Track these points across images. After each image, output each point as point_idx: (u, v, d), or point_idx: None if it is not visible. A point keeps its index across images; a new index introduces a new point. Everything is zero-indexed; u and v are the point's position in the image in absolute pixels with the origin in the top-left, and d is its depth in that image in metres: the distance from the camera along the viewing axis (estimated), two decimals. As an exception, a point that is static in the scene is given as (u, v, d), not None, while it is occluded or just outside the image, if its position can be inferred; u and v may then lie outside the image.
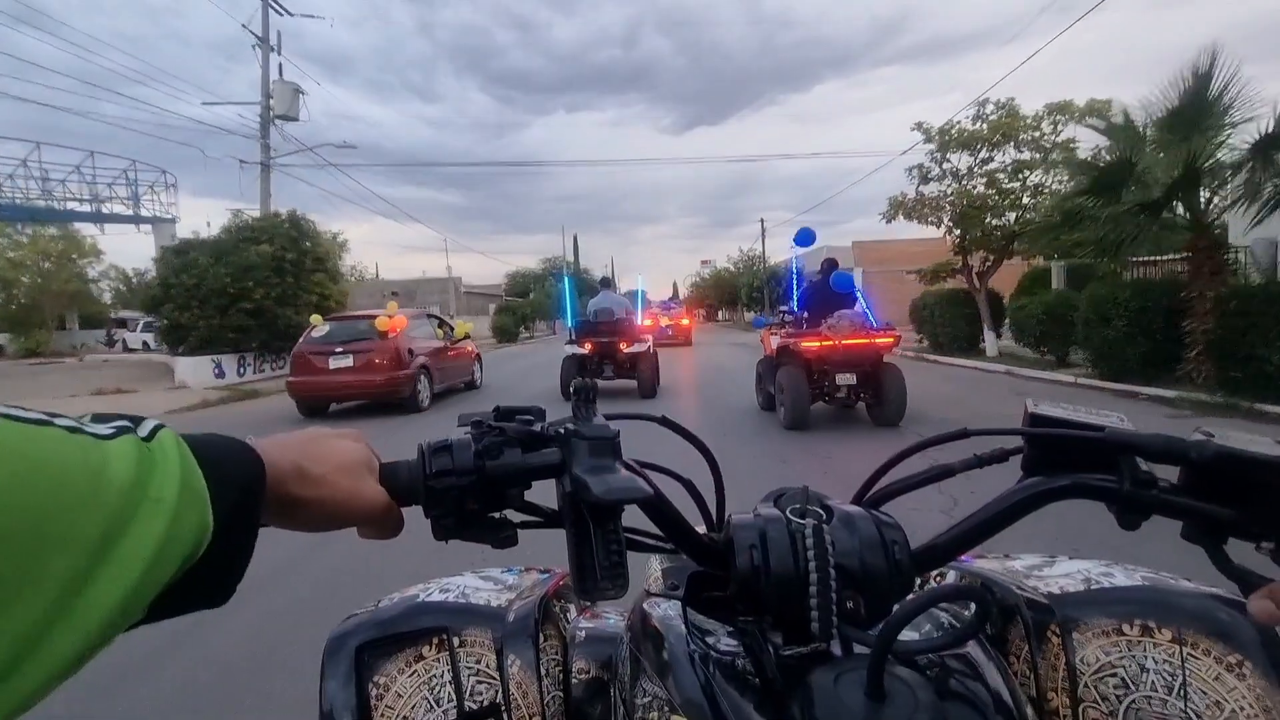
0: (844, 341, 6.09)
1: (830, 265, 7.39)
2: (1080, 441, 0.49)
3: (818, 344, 6.16)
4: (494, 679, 0.60)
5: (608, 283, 10.63)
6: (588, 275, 53.07)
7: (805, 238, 8.02)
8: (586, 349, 8.84)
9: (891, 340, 6.20)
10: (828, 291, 6.83)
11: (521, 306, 35.44)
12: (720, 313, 61.38)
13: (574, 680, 0.65)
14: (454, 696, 0.59)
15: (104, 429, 0.30)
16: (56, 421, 0.28)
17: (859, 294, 6.72)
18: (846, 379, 6.21)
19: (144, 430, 0.32)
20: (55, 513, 0.25)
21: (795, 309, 7.44)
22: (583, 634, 0.70)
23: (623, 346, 8.81)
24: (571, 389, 0.55)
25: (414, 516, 0.50)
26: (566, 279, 11.54)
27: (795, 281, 7.99)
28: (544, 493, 0.51)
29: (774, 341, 6.94)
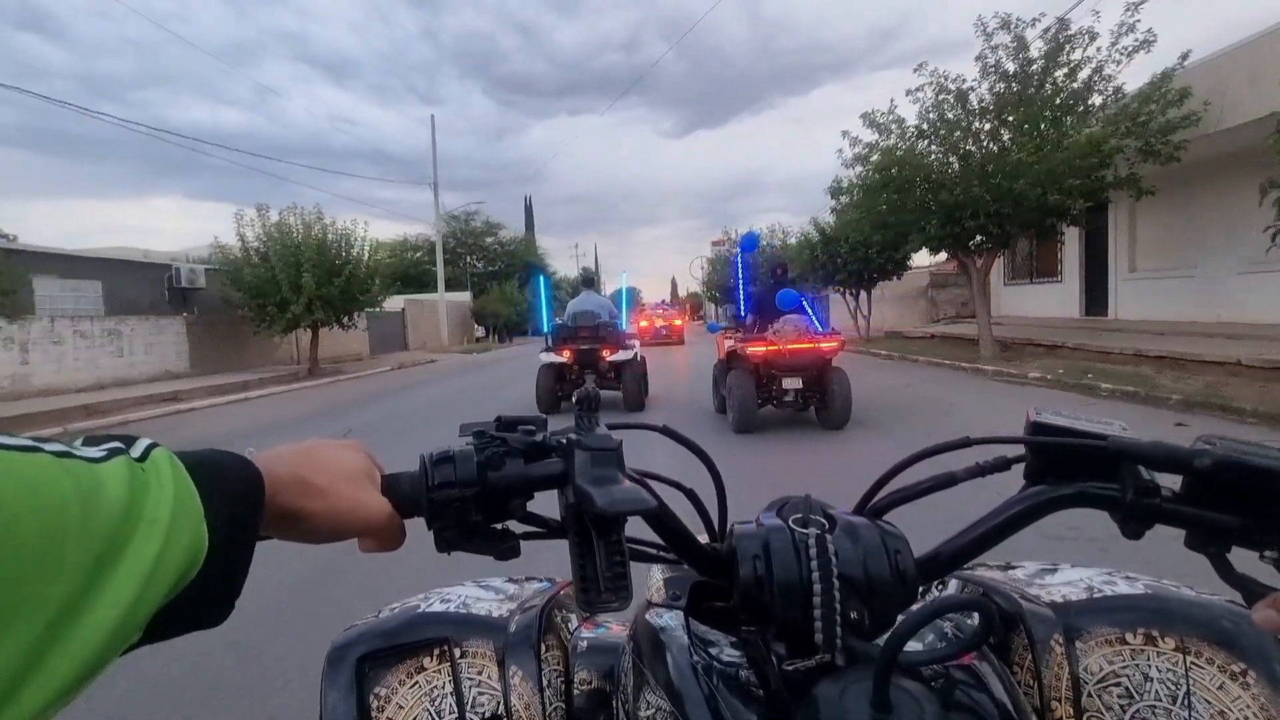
0: (789, 346, 6.23)
1: (777, 272, 7.41)
2: (1083, 450, 0.50)
3: (764, 348, 6.30)
4: (496, 690, 0.58)
5: (590, 281, 9.58)
6: (543, 258, 43.00)
7: (750, 242, 8.00)
8: (565, 357, 8.19)
9: (836, 345, 6.36)
10: (773, 299, 6.89)
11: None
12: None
13: (576, 691, 0.64)
14: (455, 708, 0.57)
15: (96, 452, 0.29)
16: (45, 447, 0.27)
17: (804, 303, 6.82)
18: (793, 383, 6.36)
19: (137, 450, 0.32)
20: (47, 540, 0.25)
21: (741, 314, 7.47)
22: (585, 644, 0.69)
23: (605, 354, 8.15)
24: (575, 398, 0.54)
25: (414, 526, 0.49)
26: (541, 278, 10.35)
27: (742, 286, 7.75)
28: (545, 503, 0.50)
29: (726, 345, 6.99)
